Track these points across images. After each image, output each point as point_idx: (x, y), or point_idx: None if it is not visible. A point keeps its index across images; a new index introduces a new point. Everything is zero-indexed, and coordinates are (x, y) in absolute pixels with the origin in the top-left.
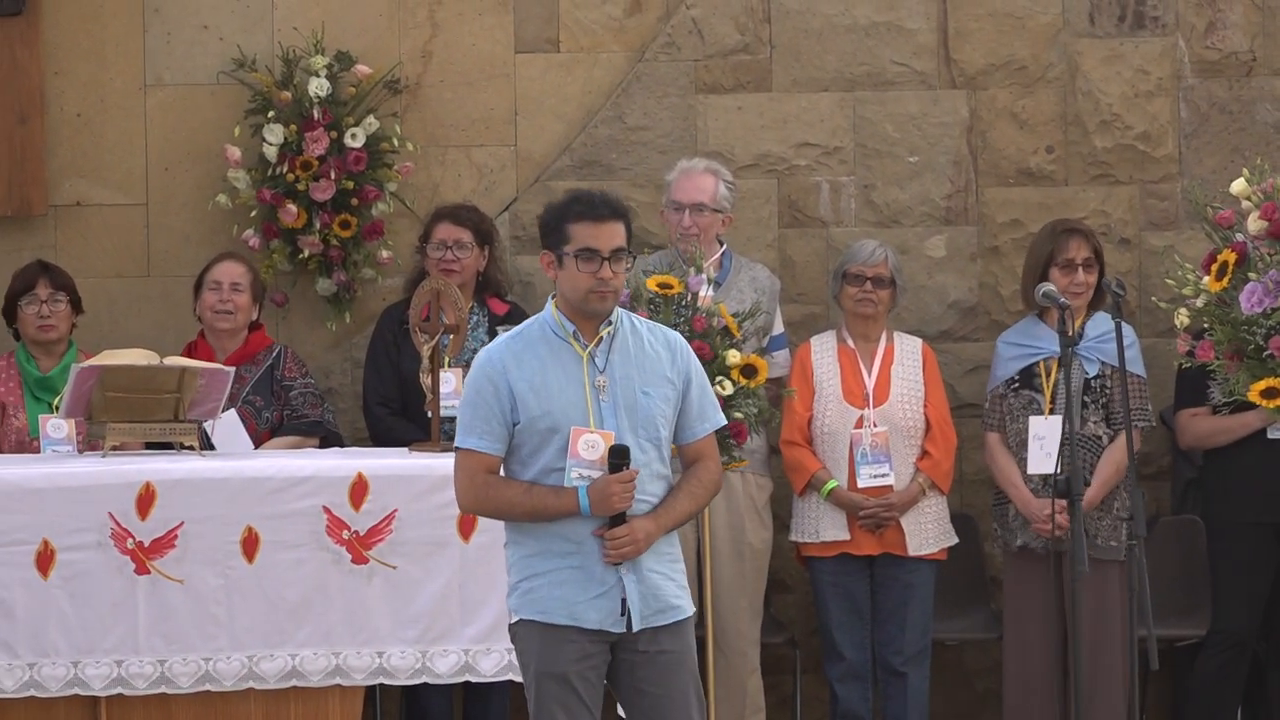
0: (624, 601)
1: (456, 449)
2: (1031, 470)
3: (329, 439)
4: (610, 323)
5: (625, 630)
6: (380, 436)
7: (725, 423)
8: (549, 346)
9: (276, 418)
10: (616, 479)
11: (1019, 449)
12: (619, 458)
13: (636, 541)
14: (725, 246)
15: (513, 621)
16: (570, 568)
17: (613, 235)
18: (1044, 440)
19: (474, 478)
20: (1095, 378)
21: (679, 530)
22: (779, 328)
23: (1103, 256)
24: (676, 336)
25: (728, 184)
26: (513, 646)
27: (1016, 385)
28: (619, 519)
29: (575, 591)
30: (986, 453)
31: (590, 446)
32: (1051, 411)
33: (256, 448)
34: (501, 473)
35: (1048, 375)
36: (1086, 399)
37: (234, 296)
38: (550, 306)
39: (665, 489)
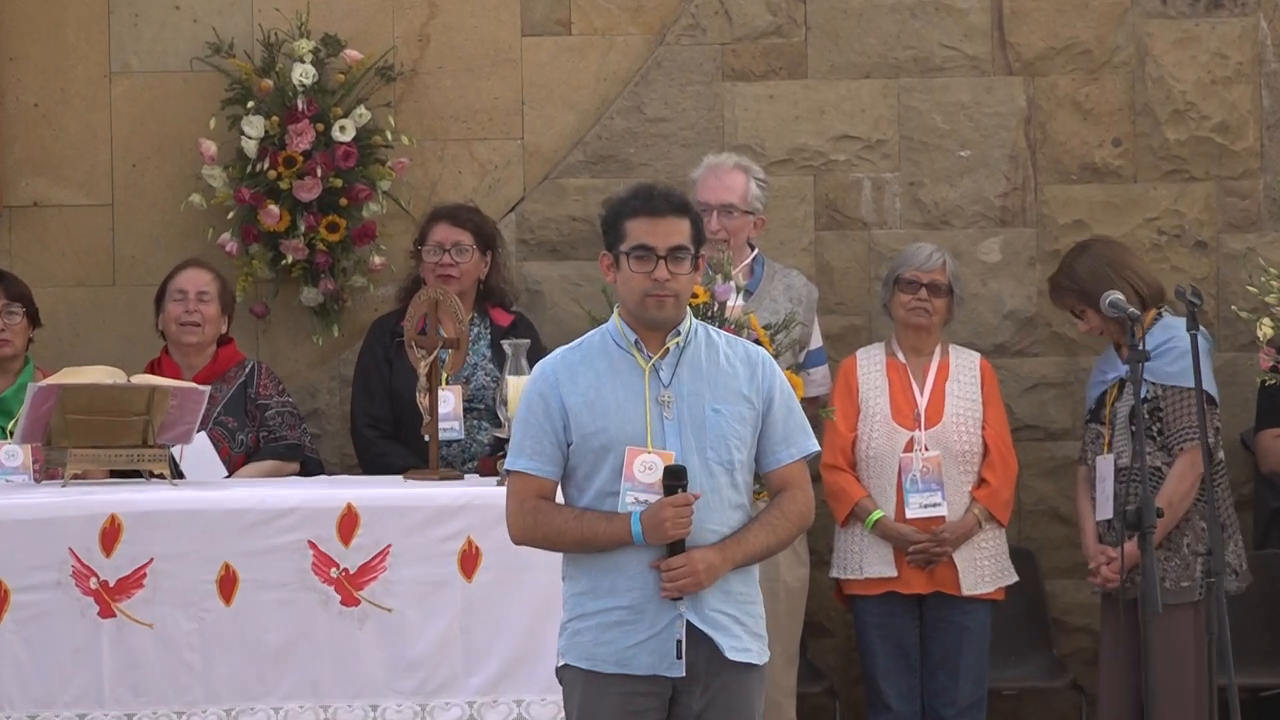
0: (679, 644)
1: (506, 472)
2: (1097, 516)
3: (308, 465)
4: (679, 333)
5: (682, 676)
6: (370, 463)
7: (817, 449)
8: (609, 359)
9: (252, 440)
10: (670, 502)
11: (1094, 487)
12: (675, 479)
13: (696, 573)
14: (756, 251)
15: (559, 665)
16: (622, 608)
17: (671, 231)
18: (1105, 482)
19: (523, 503)
20: (1147, 399)
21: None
22: (816, 341)
23: (1090, 292)
24: (760, 351)
25: (759, 182)
26: (521, 698)
27: (1088, 419)
28: (678, 549)
29: (625, 634)
30: (1075, 486)
31: (647, 468)
32: (1110, 445)
33: (230, 474)
34: (560, 499)
35: (1110, 405)
36: (1134, 428)
37: (201, 307)
38: (614, 315)
39: (741, 521)
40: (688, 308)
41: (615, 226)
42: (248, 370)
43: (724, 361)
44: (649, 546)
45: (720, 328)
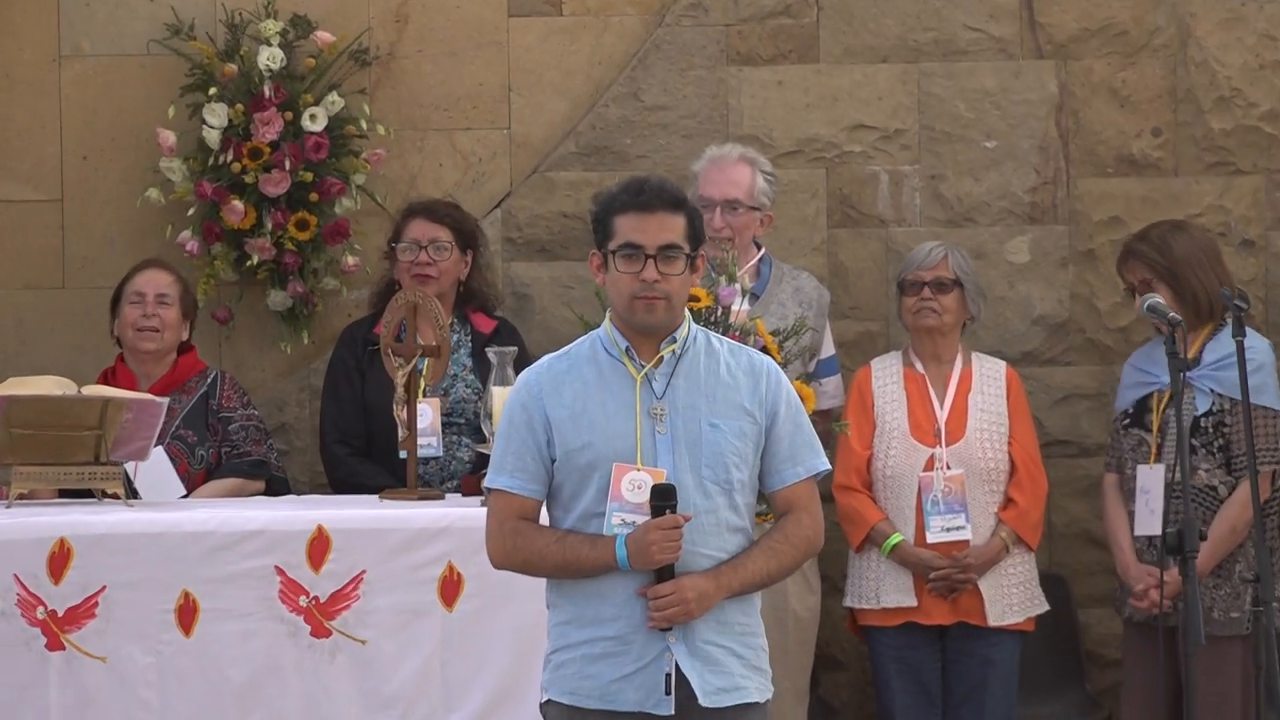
0: (668, 678)
1: (486, 490)
2: (1138, 531)
3: (275, 484)
4: (674, 340)
5: (671, 715)
6: (341, 483)
7: (827, 468)
8: (597, 368)
9: (213, 456)
10: (656, 525)
11: (1131, 499)
12: (662, 500)
13: (685, 602)
14: (763, 251)
15: (542, 701)
16: (607, 638)
17: (662, 228)
18: (1149, 494)
19: (503, 524)
20: (1207, 414)
21: (758, 597)
22: (829, 349)
23: (1177, 274)
24: (765, 361)
25: (767, 176)
26: None
27: (1128, 422)
28: (667, 575)
29: (610, 667)
30: (1102, 495)
31: (636, 487)
32: (1158, 457)
33: (189, 492)
34: (545, 519)
35: (1157, 411)
36: (1194, 441)
37: (160, 311)
38: (605, 320)
39: (741, 545)
40: (686, 313)
41: (604, 223)
42: (209, 380)
43: (724, 372)
44: (635, 572)
45: (724, 334)
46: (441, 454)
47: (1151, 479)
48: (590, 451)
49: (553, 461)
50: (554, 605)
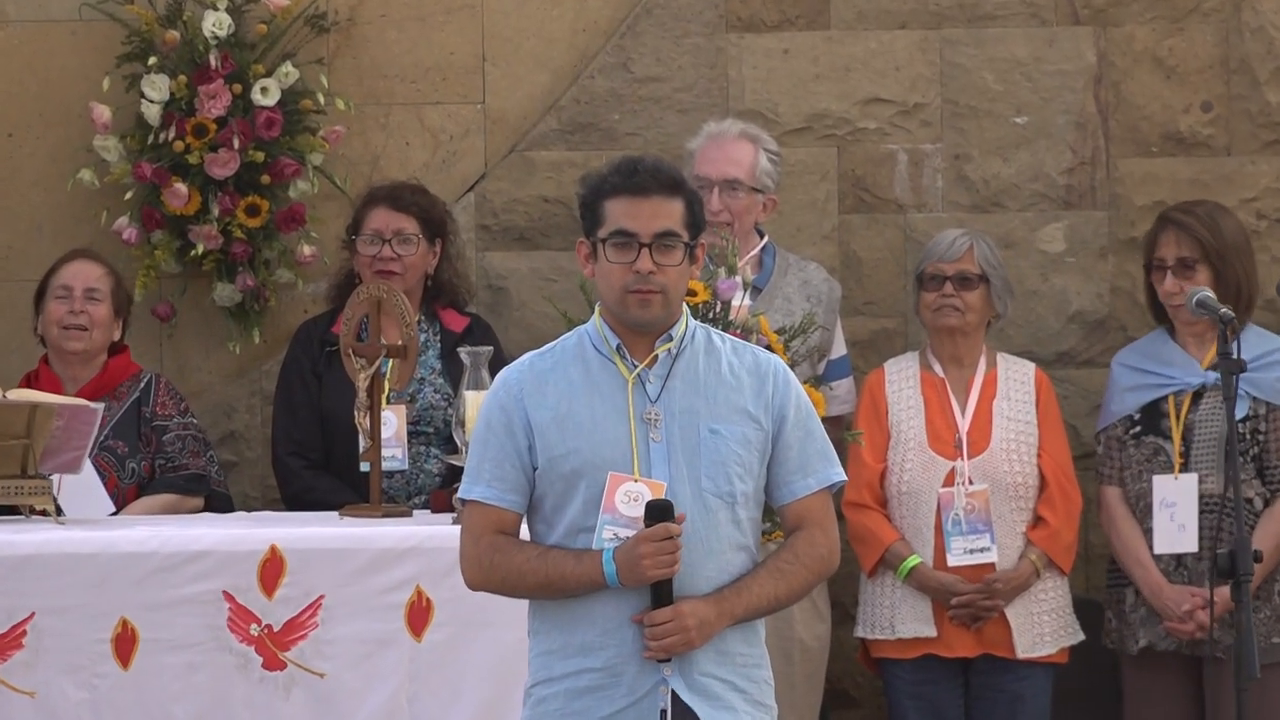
0: (664, 715)
1: (460, 502)
2: (1159, 549)
3: (215, 501)
4: (671, 337)
5: None
6: (295, 498)
7: (841, 479)
8: (585, 367)
9: (145, 469)
10: (648, 535)
11: (1145, 516)
12: (656, 516)
13: (686, 630)
14: (766, 239)
15: None
16: (595, 670)
17: (657, 214)
18: (1175, 508)
19: (479, 540)
20: (1246, 419)
21: (762, 624)
22: (840, 349)
23: (1225, 257)
24: (773, 360)
25: (770, 155)
26: None
27: (1138, 429)
28: (665, 598)
29: (599, 702)
30: (1103, 513)
31: (632, 499)
32: (1183, 467)
33: (118, 509)
34: (525, 534)
35: (1178, 416)
36: (1228, 449)
37: (89, 307)
38: (595, 315)
39: (745, 566)
40: (685, 308)
41: (593, 209)
42: (143, 385)
43: (726, 372)
44: (626, 592)
45: (724, 332)
46: (407, 466)
47: (1177, 491)
48: (576, 458)
49: (534, 470)
50: (535, 633)
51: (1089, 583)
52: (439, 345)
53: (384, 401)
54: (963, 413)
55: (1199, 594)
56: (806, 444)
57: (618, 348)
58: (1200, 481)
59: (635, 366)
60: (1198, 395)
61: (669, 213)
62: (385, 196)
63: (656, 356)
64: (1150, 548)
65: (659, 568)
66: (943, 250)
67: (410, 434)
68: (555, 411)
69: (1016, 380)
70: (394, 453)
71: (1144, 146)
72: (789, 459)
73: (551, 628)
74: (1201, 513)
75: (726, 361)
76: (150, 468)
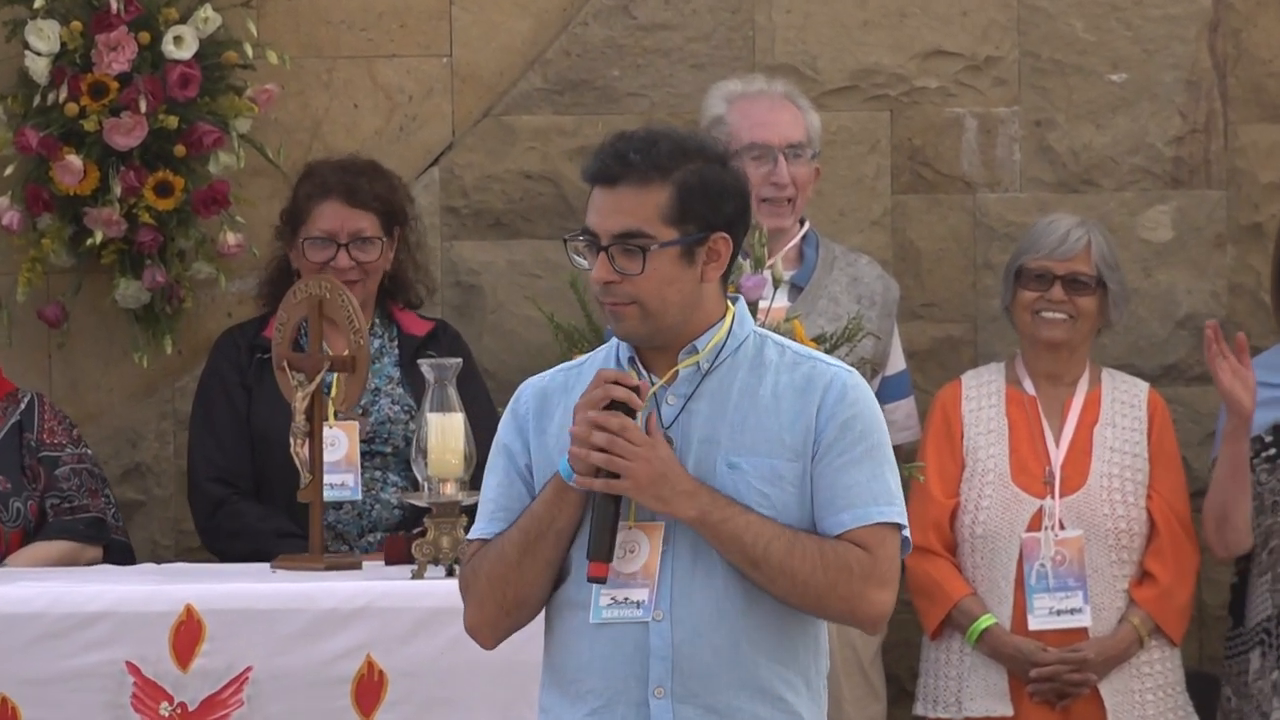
0: None
1: (467, 542)
2: None
3: (115, 550)
4: (695, 349)
5: None
6: (215, 530)
7: (890, 520)
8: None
9: (33, 510)
10: (586, 403)
11: (1276, 561)
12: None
13: (646, 461)
14: (808, 225)
15: None
16: (589, 712)
17: (619, 209)
18: None
19: (462, 572)
20: None
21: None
22: (898, 363)
23: None
24: (832, 370)
25: (816, 115)
26: None
27: (1272, 452)
28: (609, 515)
29: None
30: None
31: (628, 551)
32: None
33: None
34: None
35: None
36: None
37: None
38: None
39: (788, 647)
40: (735, 313)
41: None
42: (23, 406)
43: (768, 393)
44: (615, 631)
45: None
46: (360, 496)
47: None
48: None
49: None
50: (546, 710)
51: (1202, 652)
52: (396, 352)
53: (331, 420)
54: (1056, 441)
55: None
56: (848, 472)
57: (630, 360)
58: None
59: (653, 382)
60: None
61: (638, 206)
62: (339, 187)
63: (677, 373)
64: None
65: (599, 445)
66: (1053, 243)
67: (362, 454)
68: (556, 440)
69: (1124, 403)
70: (344, 479)
71: (1271, 110)
72: (821, 490)
73: (552, 692)
74: None
75: (773, 380)
76: (39, 508)
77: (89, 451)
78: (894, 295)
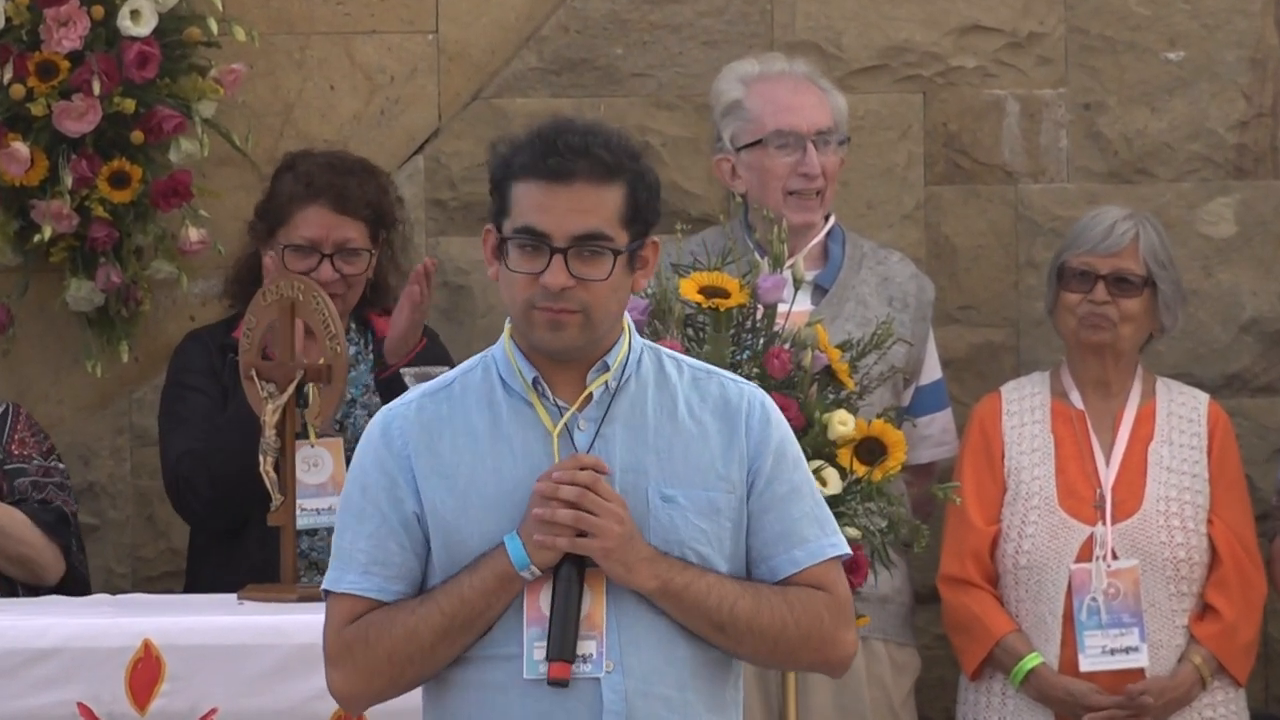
0: None
1: (325, 594)
2: None
3: (68, 581)
4: (606, 366)
5: None
6: (218, 504)
7: (846, 553)
8: (491, 410)
9: None
10: (550, 470)
11: None
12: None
13: (619, 520)
14: (833, 219)
15: None
16: None
17: (578, 207)
18: None
19: (341, 631)
20: None
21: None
22: (933, 371)
23: None
24: (745, 391)
25: (841, 97)
26: None
27: None
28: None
29: None
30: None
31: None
32: None
33: None
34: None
35: None
36: None
37: None
38: (504, 335)
39: (726, 698)
40: (627, 324)
41: (500, 190)
42: None
43: (684, 414)
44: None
45: (767, 348)
46: None
47: None
48: (485, 545)
49: (427, 555)
50: None
51: (1269, 693)
52: (372, 359)
53: (312, 438)
54: (1107, 460)
55: None
56: (789, 504)
57: (535, 382)
58: None
59: (561, 409)
60: None
61: (597, 206)
62: (327, 190)
63: (591, 395)
64: None
65: (569, 499)
66: (1097, 237)
67: None
68: (451, 480)
69: (1183, 416)
70: (332, 503)
71: None
72: (765, 526)
73: None
74: None
75: (683, 398)
76: None
77: (61, 466)
78: (929, 296)
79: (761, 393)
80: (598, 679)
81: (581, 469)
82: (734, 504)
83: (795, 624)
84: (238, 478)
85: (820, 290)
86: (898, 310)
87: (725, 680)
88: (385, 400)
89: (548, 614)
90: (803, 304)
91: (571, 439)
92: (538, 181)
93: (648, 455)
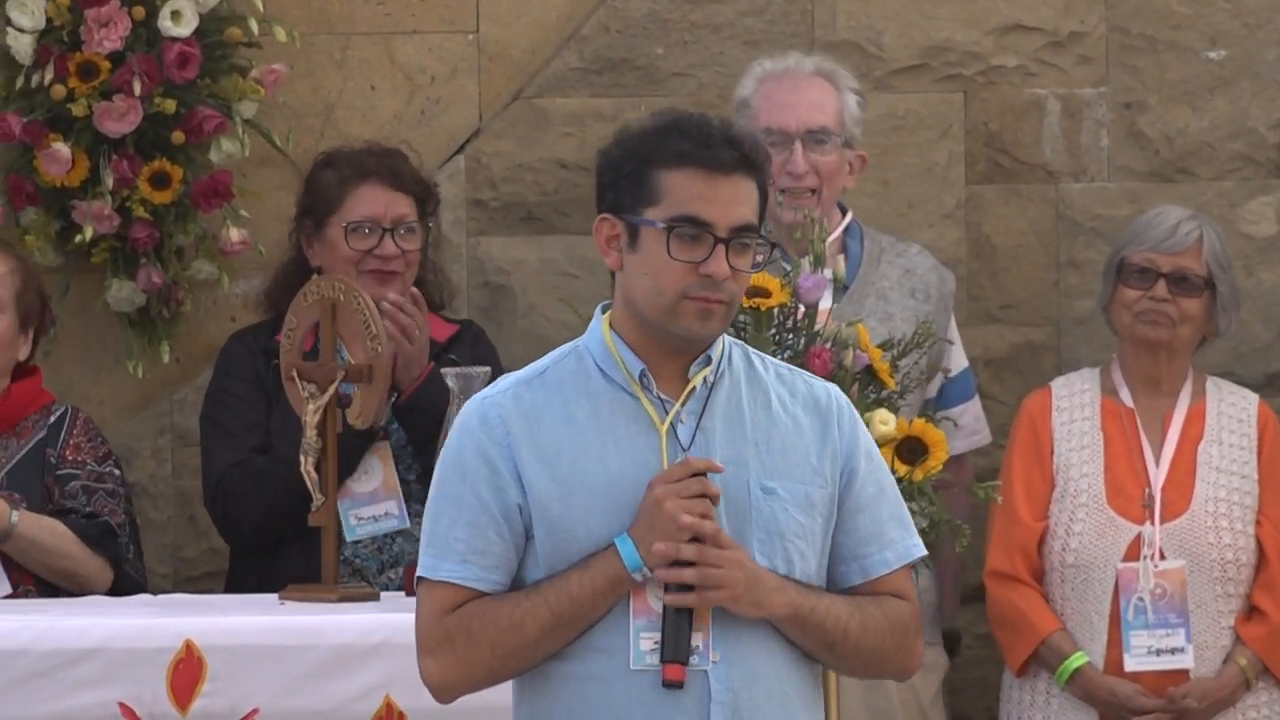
0: None
1: (419, 582)
2: None
3: (123, 581)
4: (709, 359)
5: None
6: (256, 510)
7: (923, 553)
8: (591, 400)
9: None
10: (663, 477)
11: None
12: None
13: (740, 566)
14: (850, 215)
15: None
16: None
17: (736, 200)
18: None
19: (440, 622)
20: None
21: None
22: (960, 359)
23: None
24: (831, 390)
25: (856, 96)
26: None
27: None
28: (685, 625)
29: None
30: None
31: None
32: None
33: (15, 590)
34: None
35: None
36: None
37: None
38: (600, 323)
39: (807, 682)
40: None
41: (640, 178)
42: (53, 420)
43: (778, 408)
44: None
45: (806, 349)
46: (408, 523)
47: None
48: (590, 540)
49: (527, 542)
50: None
51: None
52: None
53: (371, 442)
54: (1156, 459)
55: None
56: (879, 504)
57: (642, 375)
58: None
59: (665, 403)
60: None
61: (749, 198)
62: (378, 169)
63: (693, 388)
64: None
65: (686, 515)
66: (1160, 235)
67: None
68: (554, 467)
69: (1232, 416)
70: (388, 508)
71: None
72: (859, 526)
73: None
74: None
75: (775, 394)
76: None
77: (116, 472)
78: (950, 288)
79: (839, 391)
80: (705, 671)
81: (694, 474)
82: (826, 500)
83: (890, 637)
84: (289, 507)
85: (841, 287)
86: (920, 302)
87: (814, 675)
88: (404, 426)
89: (656, 609)
90: (825, 302)
91: (675, 433)
92: (698, 170)
93: (747, 448)
